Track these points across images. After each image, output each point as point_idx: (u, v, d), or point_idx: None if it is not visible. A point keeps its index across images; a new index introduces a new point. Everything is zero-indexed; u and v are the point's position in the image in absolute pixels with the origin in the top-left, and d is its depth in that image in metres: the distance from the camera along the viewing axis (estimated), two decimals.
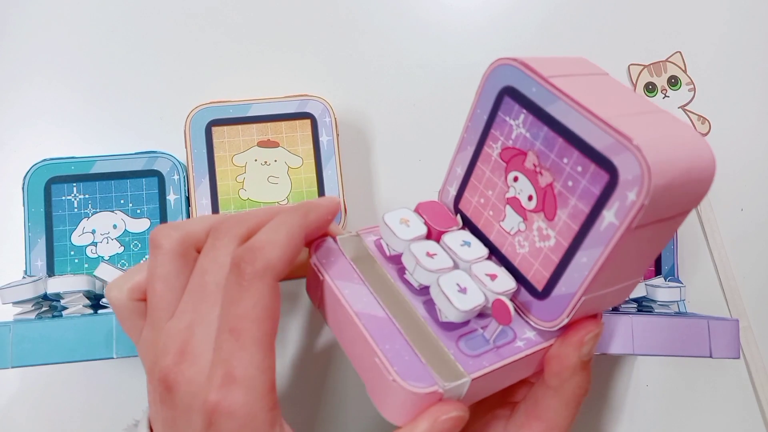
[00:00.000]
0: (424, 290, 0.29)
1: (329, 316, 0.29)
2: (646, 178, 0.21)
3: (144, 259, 0.36)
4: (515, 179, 0.28)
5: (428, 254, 0.28)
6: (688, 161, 0.23)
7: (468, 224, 0.31)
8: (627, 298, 0.32)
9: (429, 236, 0.30)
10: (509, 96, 0.27)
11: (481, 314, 0.28)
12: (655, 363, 0.49)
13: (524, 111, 0.27)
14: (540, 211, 0.27)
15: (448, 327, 0.28)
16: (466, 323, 0.28)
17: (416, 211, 0.31)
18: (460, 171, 0.31)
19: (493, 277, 0.28)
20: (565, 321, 0.26)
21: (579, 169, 0.24)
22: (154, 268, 0.27)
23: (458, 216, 0.31)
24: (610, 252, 0.24)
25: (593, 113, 0.23)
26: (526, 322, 0.28)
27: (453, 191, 0.31)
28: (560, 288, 0.26)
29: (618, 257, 0.24)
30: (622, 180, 0.22)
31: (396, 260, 0.31)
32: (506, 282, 0.28)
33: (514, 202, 0.28)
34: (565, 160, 0.25)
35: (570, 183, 0.25)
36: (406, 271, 0.29)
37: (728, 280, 0.49)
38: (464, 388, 0.26)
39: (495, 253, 0.29)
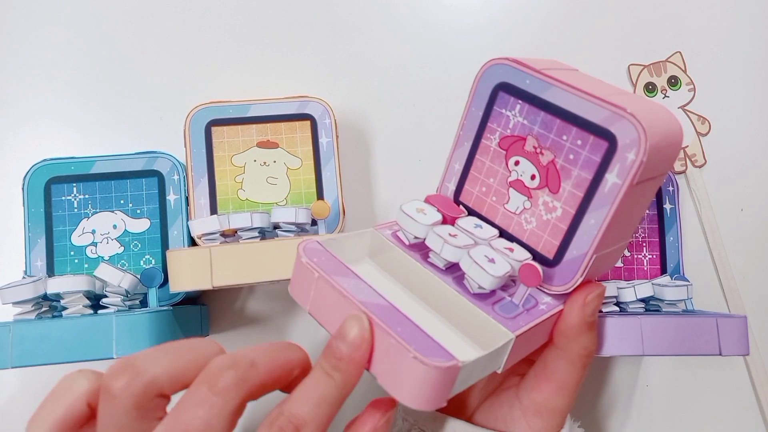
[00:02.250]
0: (449, 270, 0.31)
1: (324, 314, 0.29)
2: (643, 139, 0.26)
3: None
4: (516, 163, 0.31)
5: (450, 235, 0.31)
6: (666, 126, 0.27)
7: (472, 213, 0.33)
8: (617, 262, 0.35)
9: (444, 222, 0.32)
10: (503, 91, 0.31)
11: (504, 286, 0.31)
12: (655, 363, 0.49)
13: (519, 102, 0.30)
14: (544, 187, 0.30)
15: (480, 297, 0.30)
16: (493, 293, 0.31)
17: (427, 201, 0.33)
18: (458, 166, 0.33)
19: (510, 249, 0.31)
20: (579, 280, 0.29)
21: (579, 142, 0.28)
22: (103, 417, 0.25)
23: (460, 206, 0.34)
24: (615, 209, 0.27)
25: (587, 92, 0.28)
26: (540, 289, 0.31)
27: (452, 186, 0.34)
28: (571, 252, 0.29)
29: (621, 214, 0.28)
30: (621, 144, 0.27)
31: (417, 248, 0.33)
32: (523, 253, 0.31)
33: (516, 184, 0.31)
34: (564, 137, 0.29)
35: (571, 156, 0.29)
36: (431, 254, 0.32)
37: (728, 280, 0.49)
38: (509, 346, 0.28)
39: (502, 234, 0.32)
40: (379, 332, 0.26)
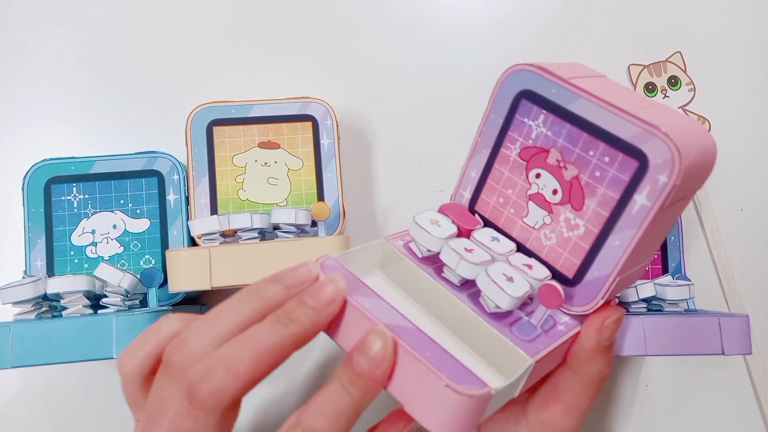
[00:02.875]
0: (464, 285, 0.30)
1: (344, 335, 0.27)
2: (677, 160, 0.24)
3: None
4: (537, 176, 0.29)
5: (466, 250, 0.29)
6: (701, 146, 0.25)
7: (487, 224, 0.32)
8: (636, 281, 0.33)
9: (459, 234, 0.31)
10: (527, 99, 0.29)
11: (522, 304, 0.30)
12: (655, 363, 0.49)
13: (544, 111, 0.28)
14: (566, 203, 0.29)
15: (497, 317, 0.29)
16: (509, 312, 0.29)
17: (441, 212, 0.31)
18: (475, 174, 0.32)
19: (529, 266, 0.29)
20: (600, 302, 0.28)
21: (606, 159, 0.27)
22: (158, 385, 0.27)
23: (476, 216, 0.32)
24: (643, 232, 0.26)
25: (617, 107, 0.26)
26: (559, 309, 0.30)
27: (468, 194, 0.32)
28: (593, 272, 0.28)
29: (647, 236, 0.26)
30: (653, 165, 0.25)
31: (430, 261, 0.31)
32: (542, 270, 0.29)
33: (537, 198, 0.30)
34: (591, 153, 0.27)
35: (597, 173, 0.27)
36: (445, 269, 0.30)
37: (728, 280, 0.49)
38: (528, 372, 0.26)
39: (520, 248, 0.31)
40: (407, 357, 0.25)
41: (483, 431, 0.34)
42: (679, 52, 0.52)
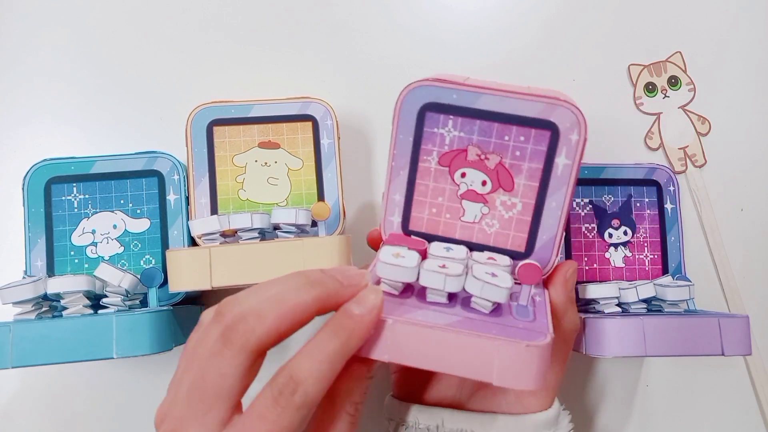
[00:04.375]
0: (452, 300, 0.31)
1: (405, 355, 0.28)
2: (581, 119, 0.30)
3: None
4: (463, 175, 0.32)
5: (442, 267, 0.30)
6: (576, 101, 0.30)
7: (428, 239, 0.33)
8: None
9: (423, 258, 0.31)
10: (431, 111, 0.31)
11: None
12: (655, 363, 0.49)
13: (451, 117, 0.31)
14: (498, 188, 0.32)
15: (497, 314, 0.30)
16: (499, 306, 0.30)
17: (390, 244, 0.32)
18: (399, 197, 0.33)
19: (492, 258, 0.32)
20: (556, 260, 0.32)
21: (522, 138, 0.31)
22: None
23: (412, 237, 0.34)
24: (572, 186, 0.31)
25: (517, 92, 0.30)
26: (518, 283, 0.31)
27: (397, 218, 0.34)
28: (541, 237, 0.32)
29: (574, 188, 0.31)
30: (563, 129, 0.30)
31: (408, 292, 0.31)
32: (504, 258, 0.32)
33: (469, 195, 0.32)
34: (506, 138, 0.31)
35: (518, 153, 0.31)
36: (429, 292, 0.30)
37: (728, 280, 0.49)
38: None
39: (468, 247, 0.33)
40: (479, 344, 0.26)
41: (471, 405, 0.36)
42: (679, 52, 0.52)
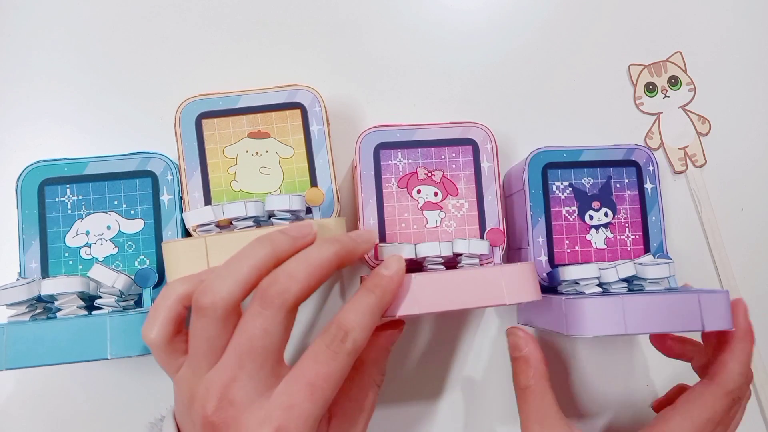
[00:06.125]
0: (448, 267, 0.39)
1: (431, 303, 0.35)
2: (490, 133, 0.42)
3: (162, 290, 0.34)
4: (418, 191, 0.42)
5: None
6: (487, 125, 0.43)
7: None
8: None
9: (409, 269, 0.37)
10: (383, 148, 0.42)
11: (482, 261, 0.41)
12: (655, 363, 0.49)
13: (399, 150, 0.42)
14: (447, 195, 0.42)
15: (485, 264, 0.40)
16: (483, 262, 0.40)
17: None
18: (373, 221, 0.41)
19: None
20: (504, 238, 0.40)
21: (453, 155, 0.42)
22: (196, 330, 0.31)
23: None
24: (499, 181, 0.42)
25: (438, 124, 0.42)
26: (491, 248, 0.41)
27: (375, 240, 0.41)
28: (488, 224, 0.41)
29: (502, 184, 0.43)
30: (480, 141, 0.42)
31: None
32: (481, 243, 0.40)
33: (427, 206, 0.42)
34: (443, 156, 0.42)
35: (454, 166, 0.42)
36: (426, 262, 0.39)
37: (728, 280, 0.49)
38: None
39: None
40: (484, 270, 0.36)
41: None
42: (679, 52, 0.52)
